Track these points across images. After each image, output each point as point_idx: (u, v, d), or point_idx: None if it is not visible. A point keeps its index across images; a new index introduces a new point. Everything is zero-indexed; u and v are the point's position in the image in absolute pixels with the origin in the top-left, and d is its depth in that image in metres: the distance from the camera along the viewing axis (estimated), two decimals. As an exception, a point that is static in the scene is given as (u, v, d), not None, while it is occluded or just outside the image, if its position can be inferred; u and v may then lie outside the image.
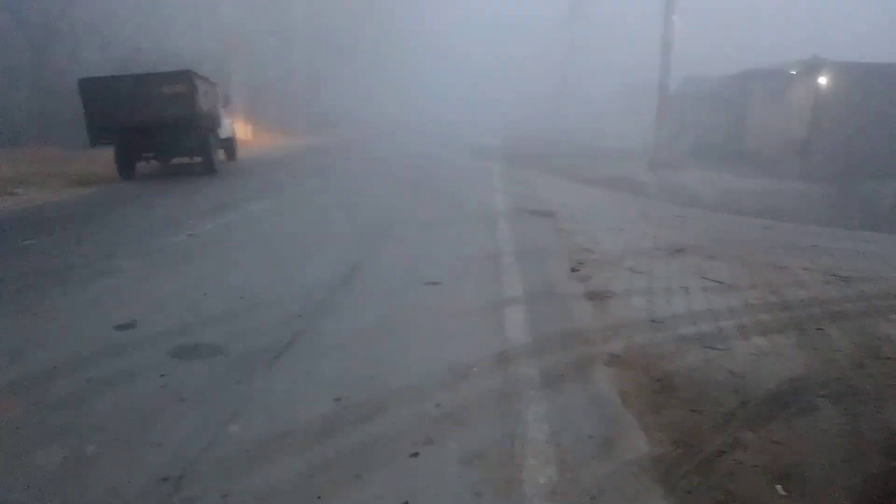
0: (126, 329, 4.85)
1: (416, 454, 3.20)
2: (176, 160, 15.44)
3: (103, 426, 3.46)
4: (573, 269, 6.71)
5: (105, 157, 15.71)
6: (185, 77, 13.73)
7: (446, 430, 3.43)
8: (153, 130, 13.51)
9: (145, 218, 9.65)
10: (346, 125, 34.37)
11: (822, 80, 15.77)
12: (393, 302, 5.64)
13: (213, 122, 15.27)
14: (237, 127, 20.10)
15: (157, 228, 8.59)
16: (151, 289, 5.94)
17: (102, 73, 17.47)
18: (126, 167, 14.01)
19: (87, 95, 13.23)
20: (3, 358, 4.36)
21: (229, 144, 17.59)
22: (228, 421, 3.50)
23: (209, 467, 3.08)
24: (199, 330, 4.85)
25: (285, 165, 17.78)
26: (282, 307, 5.38)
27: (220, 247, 7.66)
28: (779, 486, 2.96)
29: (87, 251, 7.34)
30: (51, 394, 3.83)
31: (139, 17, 20.87)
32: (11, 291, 5.79)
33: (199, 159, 14.95)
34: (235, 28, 23.73)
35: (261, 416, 3.57)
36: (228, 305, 5.41)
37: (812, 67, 16.16)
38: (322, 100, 34.86)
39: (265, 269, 6.70)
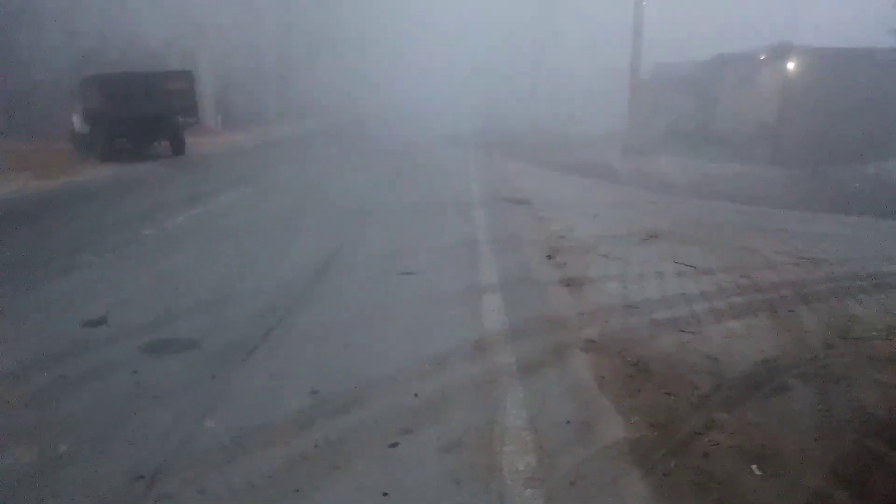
0: (97, 325, 4.75)
1: (395, 444, 3.19)
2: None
3: (76, 424, 3.40)
4: (549, 256, 6.74)
5: (68, 149, 15.47)
6: (188, 75, 16.92)
7: (425, 419, 3.43)
8: (152, 120, 15.43)
9: (114, 211, 9.46)
10: (321, 115, 34.01)
11: (791, 66, 15.96)
12: (369, 292, 5.62)
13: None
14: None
15: (127, 222, 8.42)
16: (122, 284, 5.83)
17: (66, 63, 17.17)
18: (110, 151, 15.22)
19: (93, 91, 14.86)
20: (-30, 357, 4.25)
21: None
22: (204, 416, 3.45)
23: (185, 463, 3.04)
24: (172, 325, 4.78)
25: (256, 155, 17.57)
26: (256, 300, 5.32)
27: (192, 239, 7.54)
28: (754, 466, 3.01)
29: (55, 246, 7.18)
30: (21, 392, 3.74)
31: (105, 5, 20.32)
32: (-23, 289, 5.65)
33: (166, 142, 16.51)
34: (204, 17, 23.25)
35: (237, 411, 3.53)
36: (202, 299, 5.34)
37: (780, 52, 16.33)
38: (295, 90, 34.40)
39: (239, 261, 6.62)
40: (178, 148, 16.43)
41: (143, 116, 15.23)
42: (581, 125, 26.67)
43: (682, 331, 4.66)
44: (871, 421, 3.44)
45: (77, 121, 15.61)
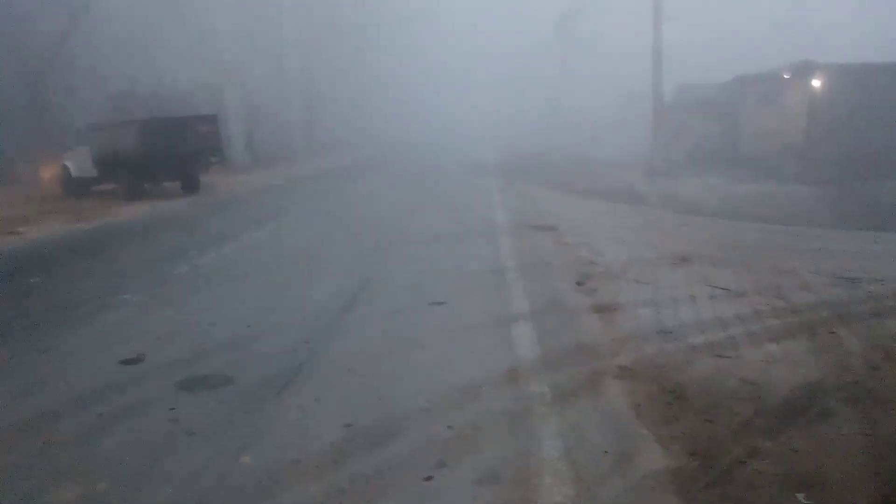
0: (133, 363, 4.82)
1: (429, 478, 3.16)
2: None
3: (114, 462, 3.43)
4: (578, 283, 6.69)
5: (102, 194, 15.93)
6: (214, 119, 17.47)
7: (459, 451, 3.39)
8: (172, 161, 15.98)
9: (147, 251, 9.65)
10: (344, 149, 34.52)
11: (816, 83, 15.84)
12: (399, 323, 5.62)
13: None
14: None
15: (160, 261, 8.59)
16: (157, 322, 5.92)
17: (98, 108, 17.77)
18: (139, 191, 15.94)
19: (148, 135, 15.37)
20: (13, 396, 4.34)
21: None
22: (239, 452, 3.46)
23: (221, 500, 3.04)
24: (207, 361, 4.83)
25: (284, 192, 17.83)
26: (288, 334, 5.36)
27: (223, 276, 7.65)
28: (801, 496, 2.92)
29: (91, 286, 7.33)
30: (60, 431, 3.80)
31: (134, 49, 21.01)
32: (19, 330, 5.77)
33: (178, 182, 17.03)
34: (230, 57, 23.89)
35: (272, 446, 3.53)
36: (235, 335, 5.39)
37: (805, 71, 16.24)
38: (319, 125, 35.04)
39: (270, 296, 6.69)
40: (192, 186, 16.93)
41: (167, 158, 15.70)
42: (603, 150, 26.66)
43: (719, 356, 4.57)
44: (921, 445, 3.32)
45: (73, 165, 16.33)
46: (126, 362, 4.84)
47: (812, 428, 3.53)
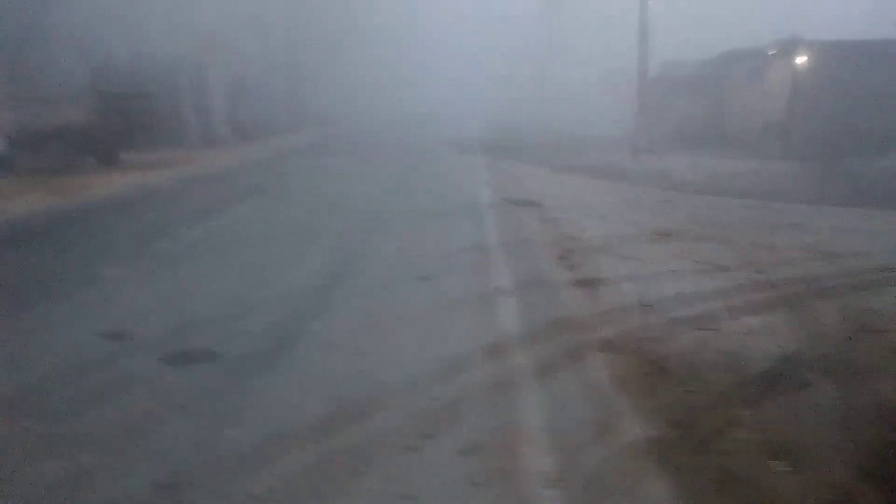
0: (116, 338, 4.79)
1: (414, 448, 3.20)
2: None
3: (99, 436, 3.42)
4: (561, 258, 6.73)
5: (80, 165, 15.67)
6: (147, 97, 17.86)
7: (443, 422, 3.43)
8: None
9: (130, 225, 9.54)
10: (330, 124, 34.20)
11: (800, 60, 15.88)
12: (383, 298, 5.64)
13: None
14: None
15: (143, 235, 8.49)
16: (140, 297, 5.88)
17: (79, 80, 17.45)
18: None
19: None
20: (-7, 372, 4.30)
21: None
22: (225, 425, 3.47)
23: (208, 473, 3.06)
24: (191, 336, 4.81)
25: (268, 166, 17.67)
26: (273, 309, 5.35)
27: (207, 250, 7.60)
28: (777, 462, 2.99)
29: (73, 262, 7.26)
30: (44, 406, 3.78)
31: (114, 21, 20.55)
32: (-2, 305, 5.72)
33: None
34: (213, 30, 23.44)
35: (257, 419, 3.55)
36: (219, 310, 5.37)
37: (789, 47, 16.26)
38: (304, 100, 34.62)
39: (254, 271, 6.66)
40: (108, 161, 16.63)
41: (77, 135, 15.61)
42: (588, 127, 26.65)
43: (700, 329, 4.64)
44: (894, 414, 3.41)
45: None
46: (109, 336, 4.81)
47: (789, 398, 3.61)
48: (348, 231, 8.46)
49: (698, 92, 20.60)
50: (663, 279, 5.86)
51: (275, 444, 3.26)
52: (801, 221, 8.42)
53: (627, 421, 3.41)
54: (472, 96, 55.66)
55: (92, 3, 19.81)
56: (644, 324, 4.79)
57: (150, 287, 6.18)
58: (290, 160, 18.92)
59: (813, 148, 15.10)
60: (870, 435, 3.22)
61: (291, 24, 31.63)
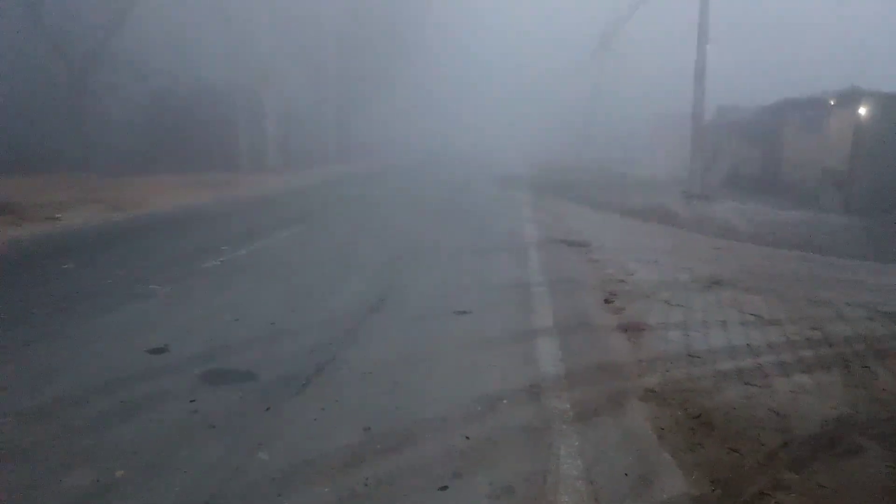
0: (158, 353, 4.87)
1: (444, 487, 3.12)
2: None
3: (133, 450, 3.45)
4: (607, 301, 6.59)
5: (139, 184, 16.25)
6: None
7: (475, 463, 3.35)
8: None
9: (179, 243, 9.79)
10: (376, 156, 34.76)
11: (862, 111, 15.46)
12: (421, 331, 5.60)
13: None
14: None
15: (191, 254, 8.70)
16: (183, 314, 5.98)
17: (140, 103, 18.37)
18: None
19: None
20: (36, 381, 4.40)
21: None
22: (256, 448, 3.47)
23: (236, 494, 3.04)
24: (230, 356, 4.86)
25: (315, 194, 17.99)
26: (311, 335, 5.37)
27: (251, 273, 7.71)
28: (826, 533, 2.81)
29: (122, 276, 7.45)
30: (81, 417, 3.84)
31: (176, 47, 21.49)
32: (46, 315, 5.88)
33: None
34: (269, 62, 24.27)
35: (289, 444, 3.53)
36: (259, 332, 5.42)
37: (850, 98, 15.87)
38: (352, 129, 35.34)
39: (295, 296, 6.72)
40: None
41: None
42: (639, 168, 26.41)
43: (748, 383, 4.45)
44: (958, 490, 3.18)
45: None
46: (150, 352, 4.89)
47: (840, 463, 3.41)
48: (390, 261, 8.48)
49: (755, 138, 20.23)
50: (712, 329, 5.67)
51: (304, 471, 3.23)
52: (859, 278, 8.09)
53: (667, 476, 3.27)
54: (519, 135, 55.97)
55: (156, 32, 20.80)
56: (690, 374, 4.62)
57: (194, 304, 6.28)
58: (337, 188, 19.23)
59: (873, 202, 14.60)
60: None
61: (343, 59, 32.49)
